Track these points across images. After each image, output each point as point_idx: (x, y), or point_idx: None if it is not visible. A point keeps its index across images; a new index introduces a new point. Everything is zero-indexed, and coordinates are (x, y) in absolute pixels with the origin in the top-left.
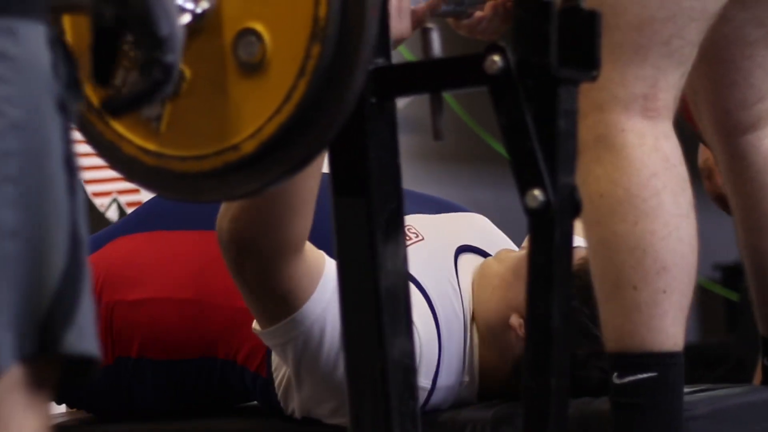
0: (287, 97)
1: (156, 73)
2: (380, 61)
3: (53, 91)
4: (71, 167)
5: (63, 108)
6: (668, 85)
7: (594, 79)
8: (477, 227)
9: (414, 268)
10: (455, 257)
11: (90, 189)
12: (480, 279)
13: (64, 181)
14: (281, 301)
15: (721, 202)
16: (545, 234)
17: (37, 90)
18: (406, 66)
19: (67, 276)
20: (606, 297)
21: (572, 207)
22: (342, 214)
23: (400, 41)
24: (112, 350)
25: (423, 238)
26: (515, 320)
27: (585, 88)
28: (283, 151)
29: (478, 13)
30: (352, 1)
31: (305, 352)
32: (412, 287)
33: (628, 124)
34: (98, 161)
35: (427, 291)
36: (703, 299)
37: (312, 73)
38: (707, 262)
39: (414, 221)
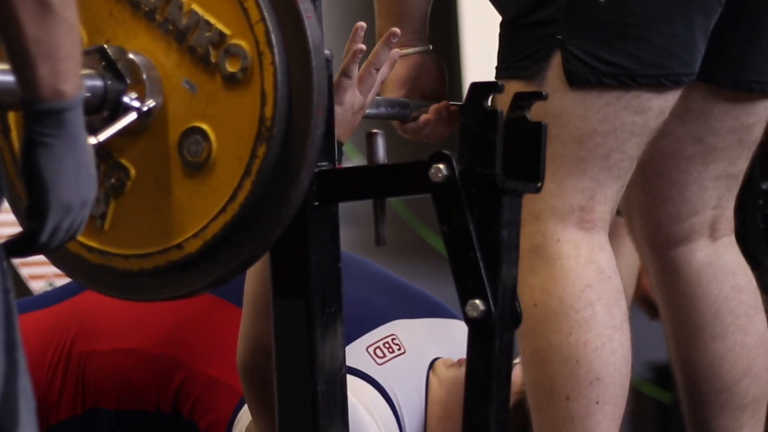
0: (232, 197)
1: (32, 222)
2: (324, 164)
3: None
4: (1, 268)
5: None
6: (605, 198)
7: (538, 190)
8: (454, 337)
9: (393, 383)
10: (428, 371)
11: (26, 272)
12: (429, 405)
13: None
14: None
15: (647, 304)
16: (485, 343)
17: None
18: (350, 170)
19: (6, 379)
20: (539, 407)
21: (513, 317)
22: (281, 316)
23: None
24: (82, 401)
25: (404, 351)
26: None
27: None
28: (228, 251)
29: (423, 117)
30: (298, 101)
31: None
32: (387, 407)
33: (563, 235)
34: None
35: (399, 411)
36: (635, 400)
37: (257, 173)
38: (639, 361)
39: (398, 329)
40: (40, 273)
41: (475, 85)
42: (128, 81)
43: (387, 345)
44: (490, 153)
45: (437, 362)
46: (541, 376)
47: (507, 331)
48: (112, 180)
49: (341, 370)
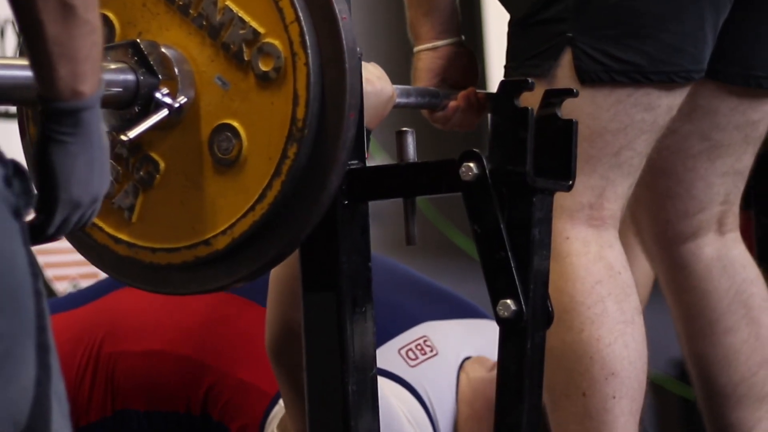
0: (261, 196)
1: (40, 215)
2: (354, 163)
3: (8, 200)
4: (34, 271)
5: (18, 214)
6: (615, 195)
7: (569, 188)
8: (485, 337)
9: (426, 385)
10: (459, 371)
11: (50, 273)
12: (459, 405)
13: (31, 287)
14: None
15: None
16: (517, 343)
17: None
18: (380, 169)
19: (38, 383)
20: (556, 405)
21: (544, 317)
22: (312, 315)
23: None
24: (112, 402)
25: (436, 353)
26: None
27: None
28: (255, 249)
29: (452, 104)
30: (330, 103)
31: None
32: (421, 409)
33: (572, 232)
34: (58, 245)
35: (432, 413)
36: (659, 397)
37: (287, 173)
38: (663, 358)
39: (430, 331)
40: (64, 274)
41: (505, 83)
42: (160, 77)
43: (419, 347)
44: (520, 151)
45: (467, 362)
46: (556, 374)
47: (538, 331)
48: (141, 173)
49: (372, 370)
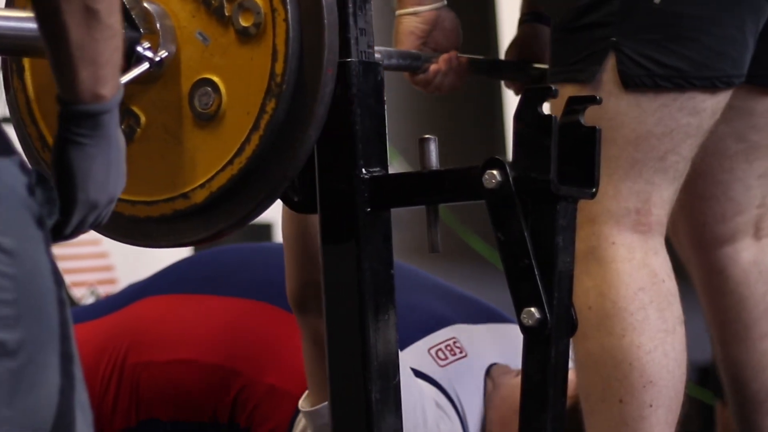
0: (239, 150)
1: (58, 216)
2: (377, 170)
3: (31, 208)
4: (58, 280)
5: (41, 223)
6: (662, 201)
7: (593, 196)
8: (512, 342)
9: (455, 384)
10: (485, 375)
11: (68, 279)
12: (486, 410)
13: (55, 296)
14: None
15: None
16: (541, 351)
17: (18, 214)
18: (403, 177)
19: (62, 392)
20: (592, 410)
21: (568, 325)
22: (334, 323)
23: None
24: (136, 412)
25: (466, 355)
26: None
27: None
28: (233, 203)
29: (433, 67)
30: (309, 59)
31: None
32: (451, 408)
33: (619, 238)
34: (75, 251)
35: (462, 412)
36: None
37: (266, 128)
38: None
39: (459, 333)
40: (82, 280)
41: (528, 91)
42: (142, 30)
43: (449, 347)
44: (544, 159)
45: (493, 368)
46: (594, 380)
47: (562, 339)
48: (122, 126)
49: (395, 378)
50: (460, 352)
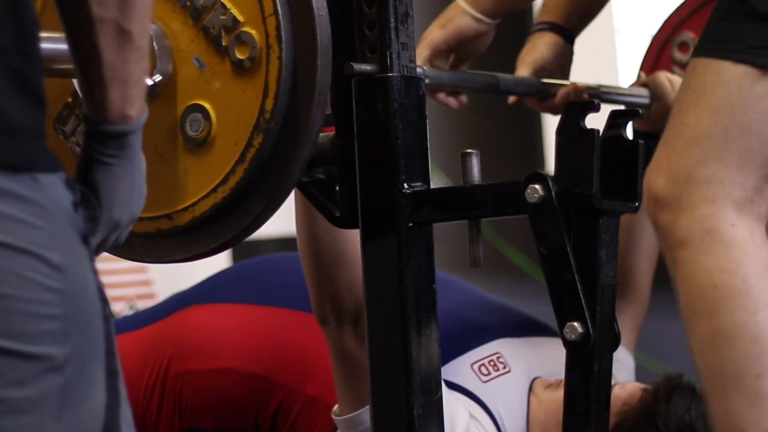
0: (224, 180)
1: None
2: (418, 184)
3: (77, 226)
4: (103, 297)
5: (86, 240)
6: None
7: (635, 210)
8: (557, 356)
9: (497, 401)
10: (529, 388)
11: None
12: (530, 425)
13: (100, 312)
14: None
15: None
16: (584, 366)
17: (66, 230)
18: (444, 191)
19: (108, 407)
20: (723, 389)
21: (611, 339)
22: (376, 338)
23: None
24: (179, 422)
25: (509, 371)
26: None
27: (696, 180)
28: (213, 230)
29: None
30: (300, 99)
31: None
32: (492, 425)
33: (739, 221)
34: (114, 265)
35: (503, 429)
36: None
37: (251, 161)
38: None
39: (503, 348)
40: (120, 295)
41: (570, 105)
42: None
43: (492, 363)
44: (587, 173)
45: (536, 382)
46: (726, 356)
47: (605, 354)
48: None
49: (437, 393)
50: (504, 368)
